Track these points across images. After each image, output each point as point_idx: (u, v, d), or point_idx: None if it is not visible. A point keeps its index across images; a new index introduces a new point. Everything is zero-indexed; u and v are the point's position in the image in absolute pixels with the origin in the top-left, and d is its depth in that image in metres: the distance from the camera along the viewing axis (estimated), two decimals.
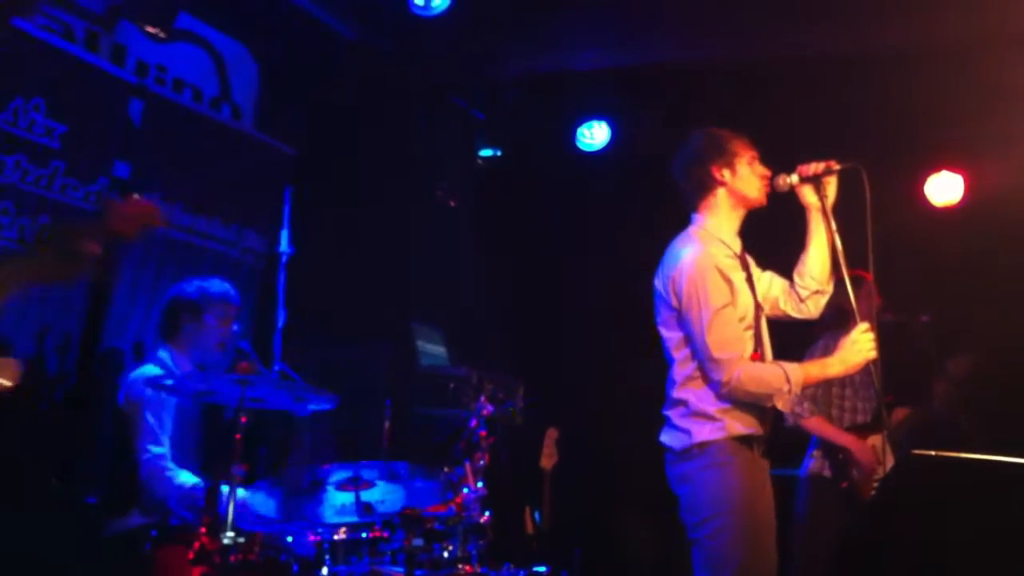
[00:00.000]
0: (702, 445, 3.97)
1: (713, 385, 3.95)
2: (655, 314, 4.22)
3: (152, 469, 4.42)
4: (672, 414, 4.10)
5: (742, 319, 4.06)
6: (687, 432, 4.01)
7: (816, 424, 5.48)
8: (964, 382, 5.94)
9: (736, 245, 4.21)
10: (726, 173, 4.16)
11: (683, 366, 4.08)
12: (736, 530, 3.91)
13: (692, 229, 4.21)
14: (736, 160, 4.18)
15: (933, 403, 5.96)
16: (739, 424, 3.97)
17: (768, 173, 4.21)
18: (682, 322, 4.04)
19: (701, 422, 3.99)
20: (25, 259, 3.52)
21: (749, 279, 4.17)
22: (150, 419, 4.49)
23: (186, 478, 4.43)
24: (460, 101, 7.85)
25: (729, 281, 4.04)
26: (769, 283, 4.34)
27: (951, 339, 6.14)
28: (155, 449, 4.46)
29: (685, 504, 4.02)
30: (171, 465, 4.45)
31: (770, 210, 4.27)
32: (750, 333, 4.09)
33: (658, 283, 4.17)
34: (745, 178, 4.17)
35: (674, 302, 4.06)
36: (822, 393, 5.58)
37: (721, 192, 4.18)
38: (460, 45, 6.84)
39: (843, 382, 5.57)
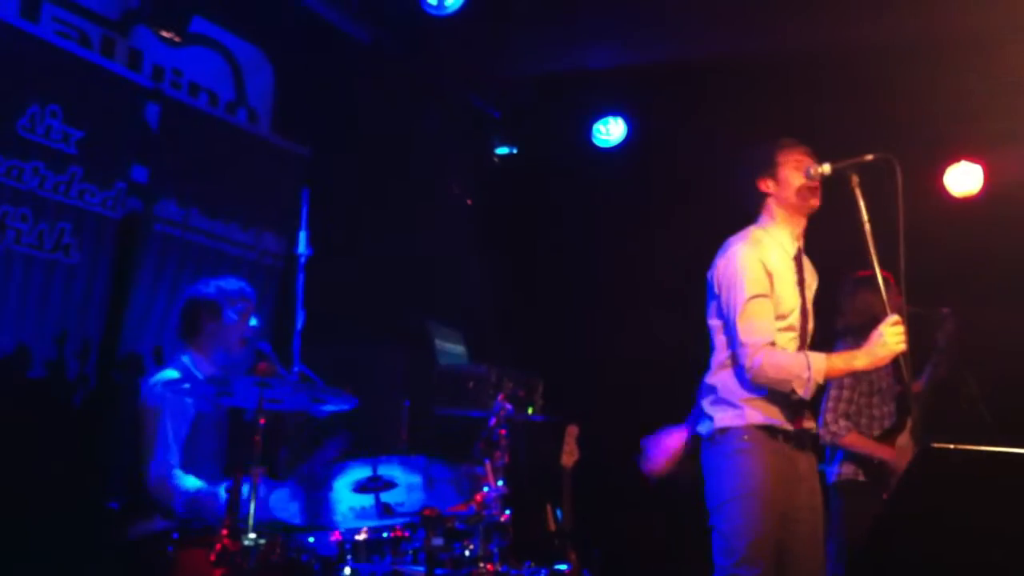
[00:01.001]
0: (723, 431, 4.07)
1: (739, 370, 4.05)
2: (707, 306, 4.30)
3: (158, 475, 4.43)
4: (704, 402, 4.21)
5: (782, 317, 4.13)
6: (711, 419, 4.12)
7: (854, 440, 5.48)
8: (953, 343, 5.89)
9: (792, 248, 4.26)
10: (771, 184, 4.26)
11: (719, 353, 4.20)
12: (747, 517, 3.94)
13: (751, 228, 4.31)
14: (780, 170, 4.24)
15: (936, 378, 5.88)
16: (760, 413, 4.04)
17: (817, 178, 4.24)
18: (720, 308, 4.16)
19: (724, 408, 4.10)
20: None
21: (801, 283, 4.21)
22: (165, 424, 4.49)
23: (191, 483, 4.43)
24: (475, 100, 7.85)
25: (771, 275, 4.09)
26: None
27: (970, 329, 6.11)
28: (164, 455, 4.46)
29: (707, 491, 4.10)
30: (177, 471, 4.45)
31: None
32: (793, 335, 4.17)
33: (709, 274, 4.29)
34: (792, 185, 4.21)
35: (716, 289, 4.19)
36: (854, 406, 5.57)
37: (771, 202, 4.28)
38: (474, 44, 6.85)
39: (871, 390, 5.57)
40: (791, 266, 4.21)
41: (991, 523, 3.05)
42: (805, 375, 3.94)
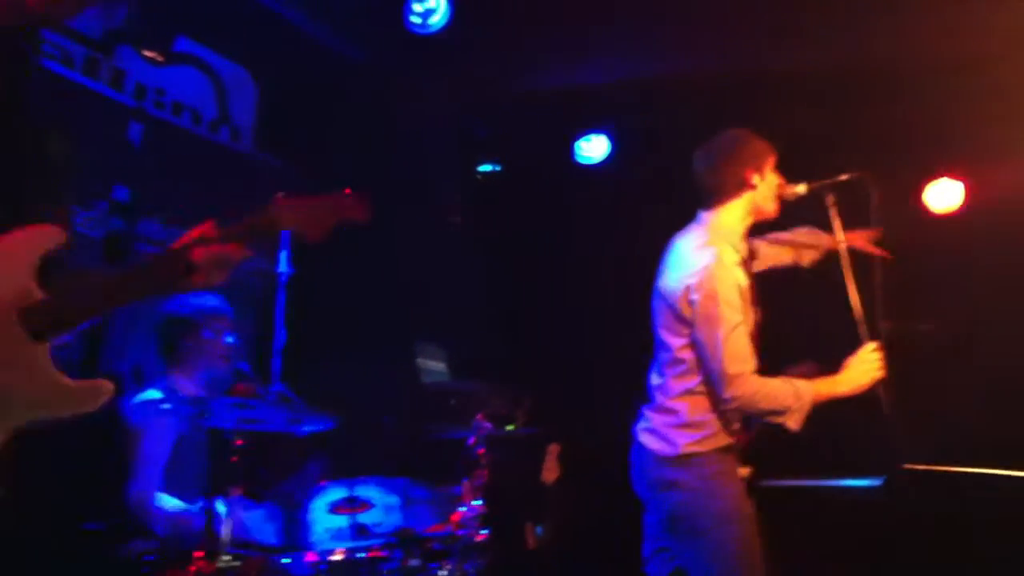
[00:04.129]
0: (689, 456, 3.98)
1: (724, 400, 3.91)
2: (656, 315, 4.19)
3: (138, 496, 4.43)
4: (656, 419, 4.10)
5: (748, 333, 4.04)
6: (672, 442, 4.02)
7: None
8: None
9: (743, 249, 4.19)
10: (757, 178, 4.17)
11: (684, 378, 4.06)
12: (743, 539, 3.92)
13: (704, 228, 4.18)
14: (767, 170, 4.21)
15: None
16: (724, 435, 3.99)
17: (782, 182, 4.22)
18: (695, 331, 3.99)
19: (690, 433, 4.00)
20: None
21: (753, 286, 4.16)
22: (145, 445, 4.50)
23: (170, 504, 4.43)
24: (460, 117, 7.85)
25: (743, 294, 4.03)
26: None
27: (952, 346, 6.13)
28: (144, 476, 4.46)
29: (676, 511, 4.00)
30: (158, 493, 4.45)
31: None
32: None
33: (665, 284, 4.13)
34: (769, 187, 4.20)
35: (685, 310, 4.01)
36: None
37: (746, 196, 4.18)
38: (458, 62, 6.86)
39: None
40: (745, 272, 4.11)
41: (961, 541, 3.08)
42: (796, 405, 3.86)
